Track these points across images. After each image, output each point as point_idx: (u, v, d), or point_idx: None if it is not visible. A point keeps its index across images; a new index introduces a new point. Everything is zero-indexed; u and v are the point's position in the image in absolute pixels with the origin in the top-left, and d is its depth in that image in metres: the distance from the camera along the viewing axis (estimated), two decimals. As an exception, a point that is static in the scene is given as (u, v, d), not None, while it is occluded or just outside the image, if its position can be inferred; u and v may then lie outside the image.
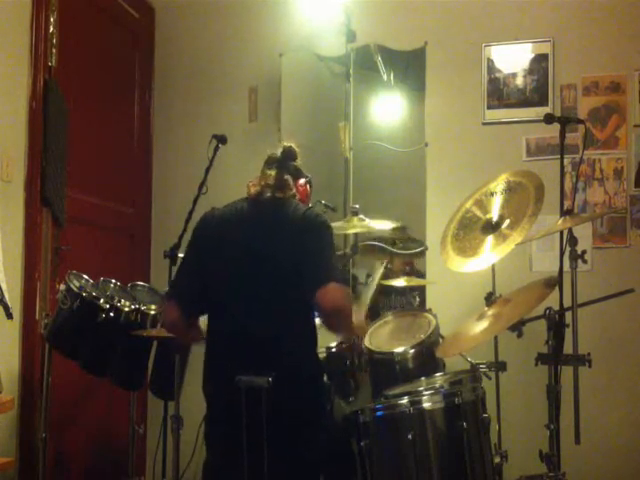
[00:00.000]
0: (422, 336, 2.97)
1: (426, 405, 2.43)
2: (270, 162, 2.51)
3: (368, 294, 3.34)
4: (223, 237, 2.40)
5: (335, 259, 2.40)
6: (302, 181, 2.55)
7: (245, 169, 2.83)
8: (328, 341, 2.74)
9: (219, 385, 2.33)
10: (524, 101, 3.73)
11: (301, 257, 2.31)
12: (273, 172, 2.47)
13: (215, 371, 2.36)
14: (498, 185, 3.02)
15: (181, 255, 2.63)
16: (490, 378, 3.07)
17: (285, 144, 2.56)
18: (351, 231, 3.30)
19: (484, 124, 3.77)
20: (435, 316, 3.09)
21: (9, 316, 2.72)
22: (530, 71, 3.73)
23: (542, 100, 3.70)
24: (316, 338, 2.41)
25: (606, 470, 3.50)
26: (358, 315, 2.93)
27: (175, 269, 2.70)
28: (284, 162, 2.50)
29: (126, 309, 3.04)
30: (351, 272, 3.69)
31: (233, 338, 2.33)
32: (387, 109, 4.13)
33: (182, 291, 2.46)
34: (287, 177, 2.48)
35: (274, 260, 2.33)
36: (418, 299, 3.69)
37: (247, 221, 2.42)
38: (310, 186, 2.60)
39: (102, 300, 2.98)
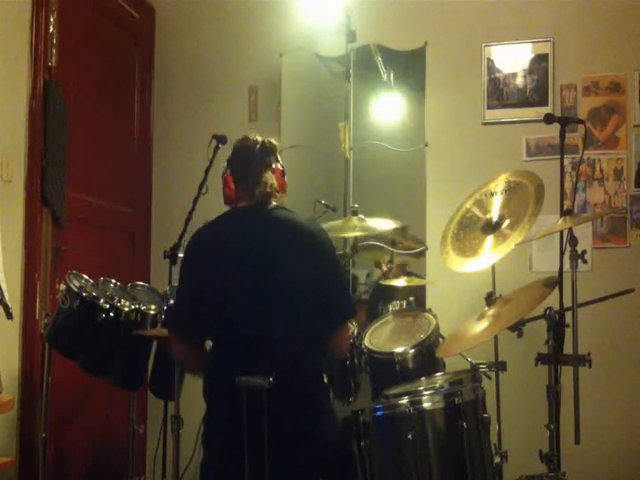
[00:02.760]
0: (422, 336, 2.97)
1: (426, 405, 2.42)
2: (246, 158, 2.42)
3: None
4: (223, 249, 2.35)
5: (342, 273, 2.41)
6: (279, 166, 2.45)
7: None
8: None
9: (222, 387, 2.33)
10: (524, 101, 3.73)
11: (310, 270, 2.33)
12: (255, 173, 2.39)
13: (219, 374, 2.36)
14: (498, 185, 3.02)
15: (181, 255, 2.62)
16: (490, 378, 3.06)
17: (261, 138, 2.45)
18: (350, 234, 3.30)
19: (484, 124, 3.77)
20: (435, 316, 3.09)
21: (9, 316, 2.73)
22: (530, 71, 3.73)
23: (542, 100, 3.70)
24: (317, 339, 2.42)
25: (606, 470, 3.50)
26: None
27: (175, 269, 2.70)
28: (263, 159, 2.43)
29: (126, 309, 3.03)
30: (351, 272, 3.69)
31: (237, 341, 2.33)
32: (387, 109, 4.12)
33: (183, 325, 2.42)
34: (271, 180, 2.40)
35: (277, 265, 2.32)
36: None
37: (247, 229, 2.38)
38: (284, 174, 2.49)
39: (102, 300, 2.97)
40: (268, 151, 2.44)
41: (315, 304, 2.34)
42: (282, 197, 2.46)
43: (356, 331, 2.98)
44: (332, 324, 2.42)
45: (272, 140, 2.47)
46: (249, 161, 2.43)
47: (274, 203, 2.41)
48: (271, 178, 2.41)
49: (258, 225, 2.38)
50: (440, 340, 3.02)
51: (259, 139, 2.46)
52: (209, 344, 2.44)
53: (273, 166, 2.44)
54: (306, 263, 2.34)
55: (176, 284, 2.53)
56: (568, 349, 2.66)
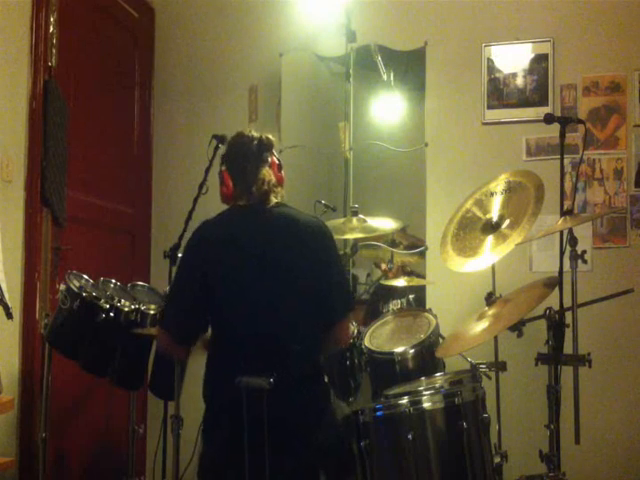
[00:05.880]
0: (422, 336, 2.97)
1: (426, 405, 2.43)
2: (244, 155, 2.42)
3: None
4: (224, 249, 2.36)
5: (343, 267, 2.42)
6: (276, 160, 2.44)
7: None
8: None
9: (222, 387, 2.33)
10: (524, 101, 3.73)
11: (309, 266, 2.34)
12: (253, 171, 2.39)
13: (219, 374, 2.35)
14: (498, 185, 3.02)
15: (181, 255, 2.63)
16: (490, 378, 3.06)
17: (257, 134, 2.45)
18: (351, 236, 3.30)
19: (484, 124, 3.77)
20: (435, 316, 3.10)
21: (9, 316, 2.72)
22: (530, 71, 3.73)
23: (542, 100, 3.70)
24: (318, 339, 2.42)
25: (606, 470, 3.50)
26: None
27: (175, 269, 2.70)
28: (260, 156, 2.42)
29: (126, 309, 3.03)
30: (351, 272, 3.69)
31: (237, 341, 2.33)
32: (387, 109, 4.13)
33: (174, 320, 2.42)
34: (269, 177, 2.40)
35: (276, 265, 2.33)
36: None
37: (247, 229, 2.37)
38: (281, 168, 2.49)
39: (102, 300, 2.97)
40: (265, 147, 2.44)
41: (316, 300, 2.34)
42: (281, 191, 2.45)
43: (356, 331, 2.98)
44: (334, 317, 2.42)
45: (269, 136, 2.46)
46: (247, 158, 2.42)
47: (274, 200, 2.41)
48: (269, 175, 2.40)
49: (257, 225, 2.38)
50: (440, 340, 3.02)
51: (256, 135, 2.45)
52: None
53: (269, 161, 2.43)
54: (305, 259, 2.34)
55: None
56: (568, 349, 2.66)
